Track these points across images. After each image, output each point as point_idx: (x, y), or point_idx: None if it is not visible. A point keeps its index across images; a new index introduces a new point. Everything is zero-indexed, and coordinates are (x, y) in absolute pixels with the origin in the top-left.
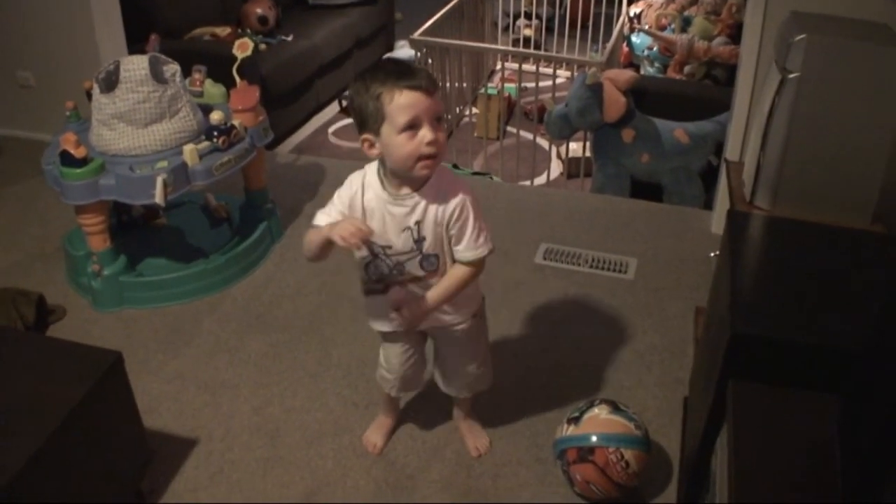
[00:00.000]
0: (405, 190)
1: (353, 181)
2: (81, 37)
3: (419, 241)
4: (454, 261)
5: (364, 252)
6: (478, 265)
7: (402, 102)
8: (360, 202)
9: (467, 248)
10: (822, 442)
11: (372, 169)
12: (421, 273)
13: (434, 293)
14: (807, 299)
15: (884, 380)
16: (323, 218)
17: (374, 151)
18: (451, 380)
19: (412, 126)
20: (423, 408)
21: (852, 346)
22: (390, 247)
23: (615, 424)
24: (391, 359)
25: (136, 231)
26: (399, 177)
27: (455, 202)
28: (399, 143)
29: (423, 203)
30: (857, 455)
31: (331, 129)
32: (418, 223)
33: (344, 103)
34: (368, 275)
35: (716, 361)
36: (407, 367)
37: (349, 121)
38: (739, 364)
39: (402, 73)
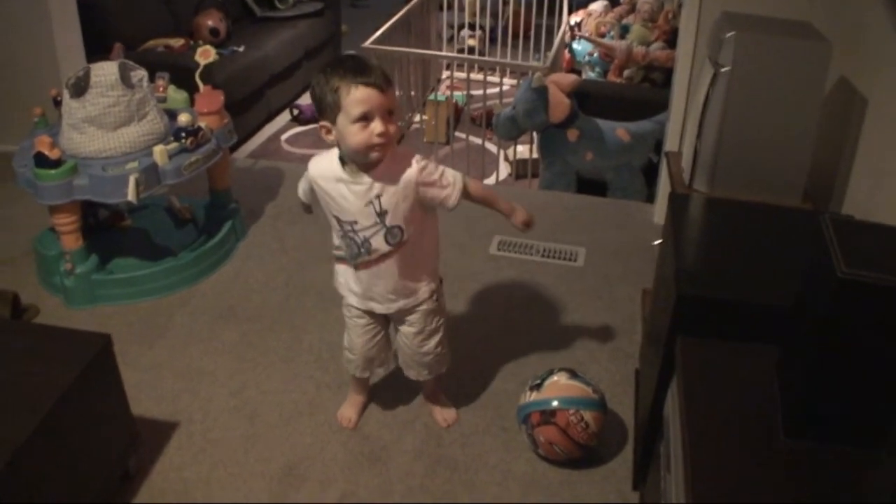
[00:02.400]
0: (361, 172)
1: (313, 166)
2: (40, 48)
3: (381, 213)
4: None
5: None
6: (470, 183)
7: (356, 97)
8: (323, 185)
9: (451, 186)
10: (762, 383)
11: (330, 151)
12: (386, 248)
13: (500, 205)
14: (742, 265)
15: (808, 329)
16: (302, 193)
17: (330, 137)
18: (411, 362)
19: (364, 118)
20: (393, 385)
21: (783, 302)
22: (356, 222)
23: (574, 389)
24: (354, 339)
25: (103, 234)
26: (355, 161)
27: (413, 168)
28: (352, 133)
29: (378, 184)
30: (792, 393)
31: (283, 137)
32: (378, 196)
33: (295, 112)
34: (343, 251)
35: (664, 323)
36: (370, 347)
37: (301, 129)
38: (685, 322)
39: (360, 70)
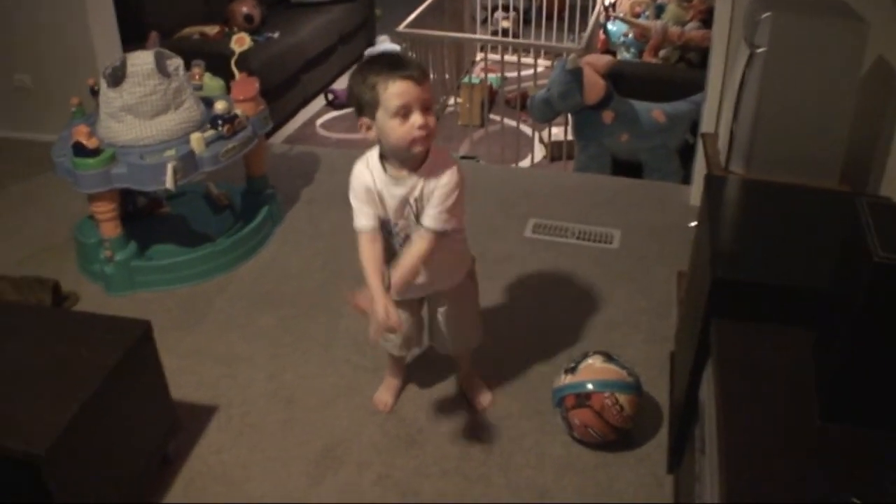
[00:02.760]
0: (404, 172)
1: (360, 174)
2: (77, 38)
3: (417, 213)
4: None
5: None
6: (433, 239)
7: (394, 91)
8: (373, 186)
9: (435, 217)
10: (797, 367)
11: (374, 155)
12: None
13: (397, 272)
14: (778, 248)
15: (845, 313)
16: (364, 221)
17: (371, 134)
18: (444, 338)
19: (404, 112)
20: (428, 369)
21: (819, 286)
22: (396, 223)
23: (609, 372)
24: None
25: (142, 221)
26: (397, 158)
27: (446, 178)
28: (392, 127)
29: (420, 181)
30: (828, 376)
31: (318, 122)
32: (416, 200)
33: (330, 97)
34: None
35: (700, 306)
36: (409, 326)
37: (336, 113)
38: (721, 306)
39: (396, 65)
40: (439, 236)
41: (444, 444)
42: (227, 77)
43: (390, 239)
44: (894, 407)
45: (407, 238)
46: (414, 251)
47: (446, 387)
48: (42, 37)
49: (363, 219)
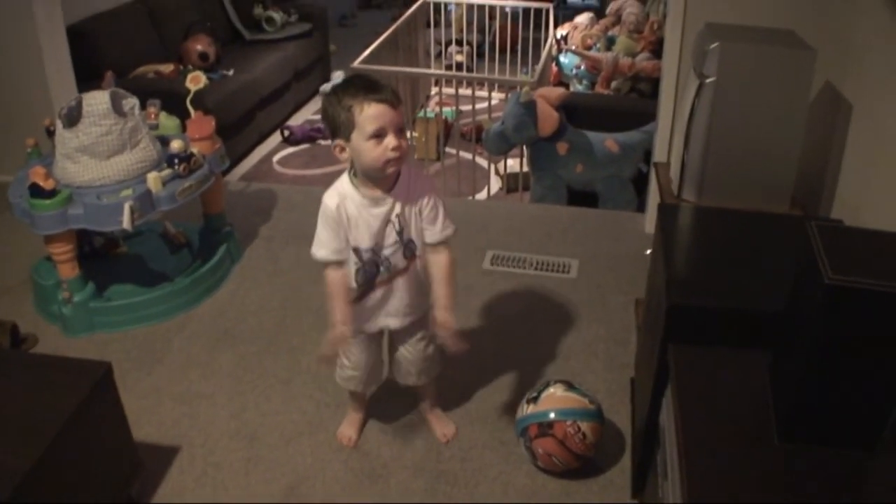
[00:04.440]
0: (378, 192)
1: (330, 200)
2: (32, 79)
3: (400, 231)
4: (430, 246)
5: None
6: (449, 244)
7: (370, 114)
8: (344, 220)
9: (442, 228)
10: (755, 389)
11: (343, 181)
12: (404, 263)
13: (442, 295)
14: (732, 273)
15: (799, 335)
16: (323, 252)
17: (344, 155)
18: (412, 369)
19: (378, 134)
20: (390, 402)
21: (773, 309)
22: (378, 244)
23: (571, 400)
24: (358, 356)
25: (99, 261)
26: (371, 178)
27: (426, 189)
28: (367, 149)
29: (399, 201)
30: (785, 397)
31: (275, 158)
32: (398, 216)
33: (286, 133)
34: (358, 283)
35: (657, 333)
36: (372, 363)
37: (292, 149)
38: (677, 331)
39: (371, 88)
40: (450, 245)
41: (409, 478)
42: (183, 115)
43: (363, 269)
44: (851, 426)
45: (386, 260)
46: (441, 270)
47: (409, 420)
48: None
49: (323, 250)
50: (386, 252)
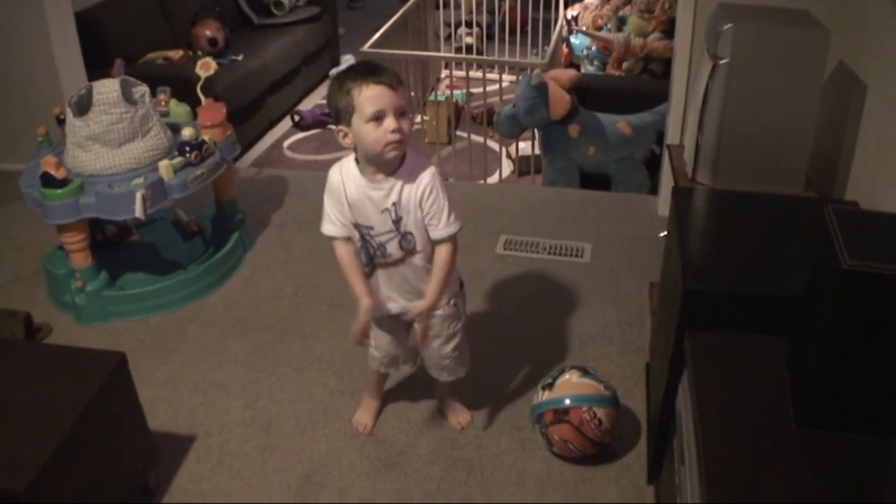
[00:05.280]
0: (380, 176)
1: (333, 178)
2: (41, 67)
3: (397, 220)
4: (433, 242)
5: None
6: (454, 241)
7: (368, 95)
8: (343, 194)
9: (445, 225)
10: (771, 374)
11: (349, 161)
12: (400, 253)
13: (431, 286)
14: (748, 257)
15: (817, 320)
16: (330, 228)
17: (347, 141)
18: (432, 363)
19: (378, 116)
20: (406, 390)
21: (790, 293)
22: (372, 227)
23: (586, 387)
24: (380, 338)
25: (111, 250)
26: (372, 163)
27: (425, 181)
28: (367, 132)
29: (398, 185)
30: (802, 383)
31: (285, 144)
32: (395, 204)
33: (297, 118)
34: (362, 259)
35: (673, 318)
36: (395, 345)
37: (303, 135)
38: (693, 316)
39: (370, 71)
40: (456, 243)
41: (425, 466)
42: (193, 102)
43: (362, 242)
44: (867, 411)
45: (381, 246)
46: (439, 264)
47: (424, 407)
48: (4, 66)
49: (330, 226)
50: (381, 238)
